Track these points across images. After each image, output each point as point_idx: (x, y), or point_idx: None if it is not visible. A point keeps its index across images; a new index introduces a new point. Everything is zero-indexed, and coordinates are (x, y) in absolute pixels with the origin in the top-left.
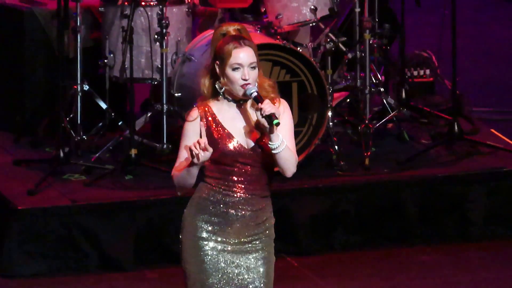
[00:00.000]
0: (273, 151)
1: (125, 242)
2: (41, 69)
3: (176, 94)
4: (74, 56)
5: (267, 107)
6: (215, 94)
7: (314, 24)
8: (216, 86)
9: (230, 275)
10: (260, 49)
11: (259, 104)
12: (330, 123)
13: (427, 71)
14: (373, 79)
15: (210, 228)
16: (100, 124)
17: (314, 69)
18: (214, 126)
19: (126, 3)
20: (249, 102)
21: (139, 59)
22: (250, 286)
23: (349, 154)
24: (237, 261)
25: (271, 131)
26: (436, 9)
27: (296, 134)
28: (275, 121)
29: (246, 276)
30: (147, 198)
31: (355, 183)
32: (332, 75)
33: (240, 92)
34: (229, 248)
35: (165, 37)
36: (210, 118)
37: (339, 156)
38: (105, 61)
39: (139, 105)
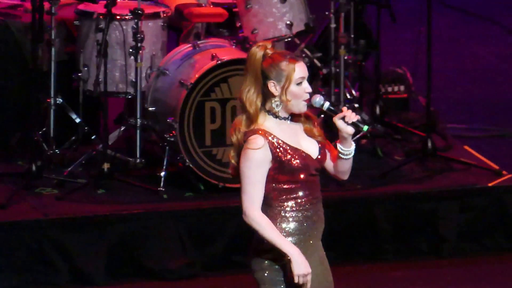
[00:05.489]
0: (344, 157)
1: (97, 257)
2: (15, 82)
3: (150, 109)
4: (48, 69)
5: (351, 114)
6: (257, 116)
7: (289, 39)
8: (273, 105)
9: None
10: (235, 64)
11: (342, 112)
12: None
13: (402, 88)
14: (348, 95)
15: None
16: (73, 138)
17: None
18: (281, 149)
19: (101, 17)
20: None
21: (114, 73)
22: (320, 284)
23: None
24: (320, 268)
25: (351, 137)
26: (412, 26)
27: None
28: (365, 127)
29: (326, 280)
30: (120, 212)
31: (329, 199)
32: None
33: (303, 106)
34: (314, 260)
35: (140, 51)
36: (275, 142)
37: None
38: (79, 74)
39: (113, 119)
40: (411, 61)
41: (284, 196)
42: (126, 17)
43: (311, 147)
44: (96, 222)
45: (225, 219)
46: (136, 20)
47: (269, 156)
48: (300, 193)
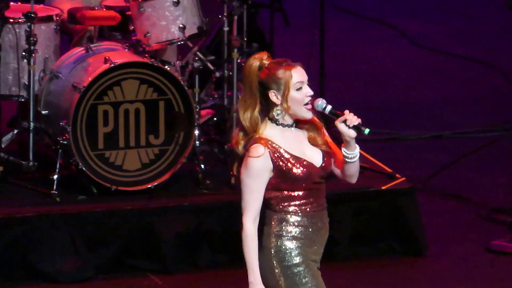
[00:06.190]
0: (349, 160)
1: None
2: None
3: (43, 112)
4: None
5: (352, 117)
6: (256, 126)
7: (182, 42)
8: (274, 113)
9: None
10: (127, 67)
11: (342, 116)
12: (197, 142)
13: None
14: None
15: (293, 254)
16: None
17: (182, 88)
18: (282, 157)
19: None
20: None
21: (7, 76)
22: None
23: (215, 173)
24: (320, 277)
25: (354, 140)
26: (305, 29)
27: (163, 152)
28: (366, 130)
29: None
30: (12, 215)
31: (221, 202)
32: (199, 93)
33: (305, 112)
34: (314, 269)
35: (33, 54)
36: (276, 150)
37: (205, 174)
38: None
39: (6, 122)
40: (304, 64)
41: (287, 203)
42: (19, 20)
43: (315, 155)
44: None
45: (118, 222)
46: (29, 23)
47: (269, 165)
48: (304, 201)
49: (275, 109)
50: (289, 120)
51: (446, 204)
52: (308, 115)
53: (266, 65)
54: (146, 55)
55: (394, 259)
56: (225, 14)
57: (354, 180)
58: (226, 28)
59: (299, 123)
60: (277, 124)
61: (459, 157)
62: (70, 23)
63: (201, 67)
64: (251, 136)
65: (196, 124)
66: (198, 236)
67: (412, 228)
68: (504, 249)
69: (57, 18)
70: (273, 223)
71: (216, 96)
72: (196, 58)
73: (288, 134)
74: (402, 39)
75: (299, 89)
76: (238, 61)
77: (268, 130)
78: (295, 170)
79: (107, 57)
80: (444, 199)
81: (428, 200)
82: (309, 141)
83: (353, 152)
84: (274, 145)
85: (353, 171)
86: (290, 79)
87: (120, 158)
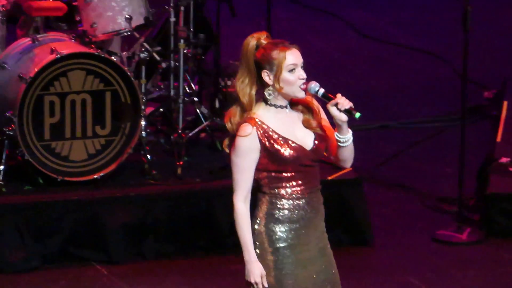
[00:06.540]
0: (342, 144)
1: None
2: None
3: None
4: None
5: (344, 101)
6: (251, 104)
7: (129, 33)
8: (266, 93)
9: (308, 279)
10: (73, 58)
11: (334, 99)
12: (143, 132)
13: None
14: (187, 88)
15: (284, 236)
16: None
17: (128, 78)
18: (271, 138)
19: None
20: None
21: None
22: (328, 285)
23: (162, 163)
24: (313, 262)
25: (347, 124)
26: (252, 19)
27: (109, 143)
28: (357, 114)
29: (322, 275)
30: None
31: (167, 192)
32: (146, 84)
33: (299, 92)
34: (304, 253)
35: None
36: (265, 131)
37: (151, 165)
38: None
39: None
40: None
41: (277, 184)
42: None
43: (306, 138)
44: None
45: (64, 212)
46: None
47: (257, 144)
48: (294, 183)
49: (266, 89)
50: (282, 101)
51: (392, 194)
52: (301, 94)
53: (263, 45)
54: (93, 46)
55: (341, 249)
56: (171, 4)
57: (348, 164)
58: (172, 19)
59: (294, 105)
60: (270, 105)
61: (405, 147)
62: (16, 14)
63: (147, 58)
64: (245, 116)
65: (142, 114)
66: (144, 226)
67: (358, 218)
68: (449, 239)
69: (3, 8)
70: (263, 204)
71: (162, 87)
72: (143, 49)
73: (281, 116)
74: (350, 29)
75: (291, 71)
76: (185, 51)
77: (261, 111)
78: (282, 151)
79: (53, 48)
80: (391, 189)
81: (374, 190)
82: (303, 124)
83: (345, 136)
84: (264, 125)
85: (346, 156)
86: (284, 61)
87: (67, 149)
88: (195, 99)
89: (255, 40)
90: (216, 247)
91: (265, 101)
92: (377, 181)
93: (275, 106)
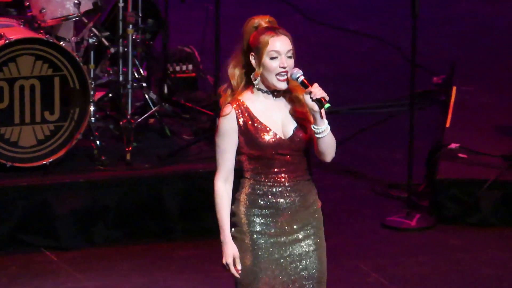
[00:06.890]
0: (317, 135)
1: None
2: None
3: None
4: None
5: (317, 90)
6: (245, 86)
7: (77, 18)
8: (251, 77)
9: (283, 265)
10: (22, 43)
11: (308, 87)
12: (92, 118)
13: (190, 67)
14: (136, 74)
15: (262, 221)
16: None
17: (77, 64)
18: (249, 121)
19: None
20: (282, 92)
21: None
22: (303, 273)
23: (111, 149)
24: (290, 250)
25: (319, 115)
26: (201, 4)
27: (58, 128)
28: (326, 106)
29: (298, 264)
30: None
31: (116, 178)
32: (94, 69)
33: (276, 82)
34: (282, 239)
35: None
36: (245, 113)
37: (100, 151)
38: None
39: None
40: (199, 40)
41: (257, 170)
42: None
43: (288, 126)
44: None
45: (13, 198)
46: None
47: (234, 125)
48: (274, 169)
49: (253, 73)
50: (265, 87)
51: (342, 180)
52: (280, 85)
53: (259, 28)
54: (42, 31)
55: None
56: None
57: (327, 158)
58: (121, 4)
59: (286, 93)
60: (258, 89)
61: (355, 133)
62: None
63: (96, 43)
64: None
65: (91, 100)
66: (94, 212)
67: None
68: (399, 225)
69: None
70: (244, 188)
71: (111, 72)
72: (92, 34)
73: (268, 102)
74: (298, 15)
75: (273, 58)
76: (133, 37)
77: (249, 94)
78: (257, 136)
79: (2, 33)
80: (340, 174)
81: (323, 176)
82: (290, 113)
83: (319, 127)
84: (245, 107)
85: (323, 148)
86: (266, 46)
87: (16, 135)
88: (144, 84)
89: (256, 22)
90: (166, 233)
91: (254, 85)
92: (326, 167)
93: (262, 91)
